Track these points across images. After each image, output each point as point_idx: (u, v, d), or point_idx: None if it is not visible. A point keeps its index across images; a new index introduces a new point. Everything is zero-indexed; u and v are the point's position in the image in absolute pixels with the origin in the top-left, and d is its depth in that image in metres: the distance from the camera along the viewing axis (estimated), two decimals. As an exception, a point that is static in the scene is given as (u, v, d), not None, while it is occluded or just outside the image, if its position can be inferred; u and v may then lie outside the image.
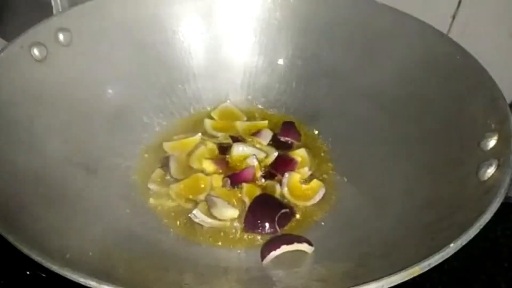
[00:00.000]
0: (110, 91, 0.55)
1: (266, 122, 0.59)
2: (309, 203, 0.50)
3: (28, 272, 0.47)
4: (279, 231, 0.46)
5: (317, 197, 0.50)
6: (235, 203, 0.49)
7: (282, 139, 0.57)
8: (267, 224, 0.46)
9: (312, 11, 0.58)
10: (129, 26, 0.56)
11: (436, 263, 0.30)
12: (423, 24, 0.51)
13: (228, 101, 0.61)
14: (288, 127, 0.58)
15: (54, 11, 0.54)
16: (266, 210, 0.48)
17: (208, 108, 0.61)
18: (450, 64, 0.48)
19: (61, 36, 0.50)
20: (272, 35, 0.60)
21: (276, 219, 0.46)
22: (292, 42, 0.60)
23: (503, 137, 0.38)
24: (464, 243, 0.31)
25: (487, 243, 0.53)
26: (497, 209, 0.34)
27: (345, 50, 0.57)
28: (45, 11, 0.53)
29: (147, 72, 0.58)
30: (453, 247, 0.31)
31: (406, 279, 0.30)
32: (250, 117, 0.60)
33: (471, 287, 0.50)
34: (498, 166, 0.37)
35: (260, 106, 0.62)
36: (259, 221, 0.47)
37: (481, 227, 0.32)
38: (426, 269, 0.30)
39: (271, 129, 0.58)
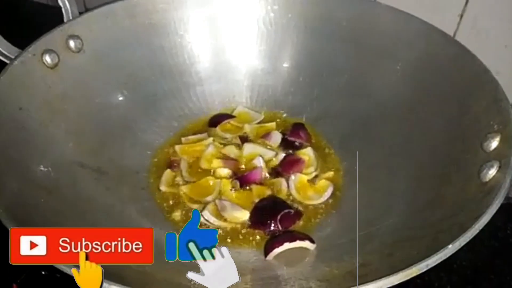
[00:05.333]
0: (119, 95, 0.57)
1: (273, 123, 0.60)
2: (317, 202, 0.50)
3: (43, 272, 0.48)
4: (281, 230, 0.47)
5: (326, 195, 0.51)
6: (246, 205, 0.50)
7: (292, 140, 0.57)
8: (269, 222, 0.47)
9: (317, 14, 0.58)
10: (137, 32, 0.57)
11: (434, 264, 0.31)
12: (427, 25, 0.51)
13: (240, 105, 0.62)
14: (298, 128, 0.58)
15: (65, 19, 0.55)
16: (269, 209, 0.49)
17: (216, 111, 0.62)
18: (453, 65, 0.48)
19: (72, 43, 0.52)
20: (277, 37, 0.61)
21: (279, 218, 0.47)
22: (297, 45, 0.60)
23: (505, 138, 0.38)
24: (462, 244, 0.32)
25: (496, 243, 0.52)
26: (505, 209, 0.35)
27: (350, 51, 0.57)
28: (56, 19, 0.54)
29: (155, 76, 0.59)
30: (451, 249, 0.31)
31: (404, 279, 0.30)
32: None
33: (480, 286, 0.49)
34: (500, 168, 0.37)
35: (266, 108, 0.62)
36: (262, 220, 0.48)
37: (480, 228, 0.32)
38: (424, 270, 0.30)
39: (278, 130, 0.58)
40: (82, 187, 0.47)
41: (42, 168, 0.44)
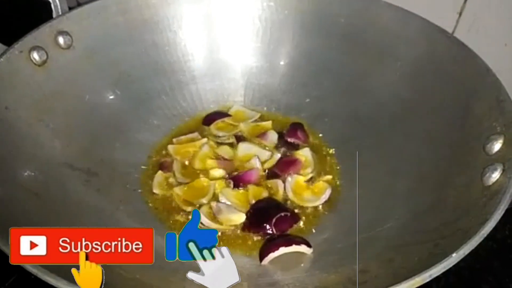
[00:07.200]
0: (111, 94, 0.55)
1: (269, 122, 0.59)
2: (315, 204, 0.49)
3: (32, 276, 0.47)
4: (277, 233, 0.46)
5: (323, 198, 0.50)
6: (242, 205, 0.49)
7: (290, 140, 0.56)
8: (265, 225, 0.46)
9: (315, 11, 0.57)
10: (129, 28, 0.55)
11: (438, 273, 0.30)
12: (428, 23, 0.50)
13: (235, 104, 0.61)
14: (296, 128, 0.57)
15: (54, 14, 0.54)
16: (265, 212, 0.47)
17: (210, 109, 0.60)
18: (455, 64, 0.47)
19: (61, 40, 0.50)
20: (273, 35, 0.59)
21: (274, 221, 0.46)
22: (294, 42, 0.59)
23: (509, 140, 0.37)
24: (467, 252, 0.31)
25: (495, 244, 0.52)
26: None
27: (348, 49, 0.56)
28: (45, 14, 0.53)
29: (148, 74, 0.57)
30: (455, 257, 0.30)
31: (407, 290, 0.29)
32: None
33: (478, 288, 0.49)
34: (503, 171, 0.36)
35: (262, 107, 0.61)
36: (257, 223, 0.47)
37: (485, 235, 0.31)
38: (428, 280, 0.29)
39: (275, 130, 0.57)
40: (71, 189, 0.46)
41: (29, 172, 0.43)
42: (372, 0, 0.54)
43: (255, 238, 0.46)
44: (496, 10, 0.58)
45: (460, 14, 0.59)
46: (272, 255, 0.43)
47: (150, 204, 0.50)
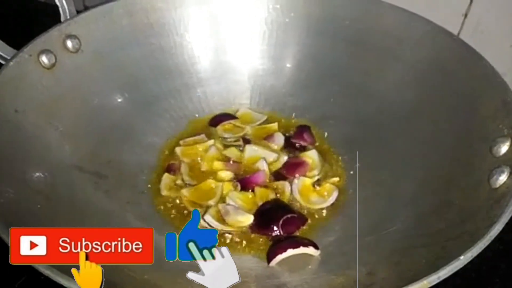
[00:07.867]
0: (119, 97, 0.56)
1: (275, 124, 0.59)
2: (322, 206, 0.49)
3: (42, 277, 0.47)
4: (284, 235, 0.46)
5: (330, 200, 0.50)
6: (249, 207, 0.49)
7: (296, 142, 0.56)
8: (272, 227, 0.46)
9: (320, 13, 0.57)
10: (136, 31, 0.56)
11: (445, 276, 0.30)
12: (433, 25, 0.50)
13: (242, 106, 0.61)
14: (303, 130, 0.57)
15: (62, 18, 0.54)
16: (272, 214, 0.48)
17: (217, 112, 0.60)
18: (460, 66, 0.47)
19: (69, 43, 0.51)
20: (279, 37, 0.59)
21: (281, 222, 0.46)
22: (300, 45, 0.59)
23: (516, 143, 0.37)
24: (474, 255, 0.31)
25: (501, 245, 0.52)
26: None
27: (353, 51, 0.56)
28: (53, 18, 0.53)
29: (155, 77, 0.58)
30: (463, 260, 0.30)
31: (414, 292, 0.29)
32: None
33: (484, 290, 0.49)
34: (510, 174, 0.36)
35: (268, 109, 0.61)
36: (264, 224, 0.47)
37: (492, 238, 0.32)
38: (435, 283, 0.30)
39: (281, 132, 0.57)
40: (80, 191, 0.46)
41: (39, 174, 0.43)
42: (377, 2, 0.54)
43: (262, 240, 0.46)
44: (501, 12, 0.58)
45: (466, 16, 0.59)
46: (280, 257, 0.43)
47: (158, 206, 0.50)
